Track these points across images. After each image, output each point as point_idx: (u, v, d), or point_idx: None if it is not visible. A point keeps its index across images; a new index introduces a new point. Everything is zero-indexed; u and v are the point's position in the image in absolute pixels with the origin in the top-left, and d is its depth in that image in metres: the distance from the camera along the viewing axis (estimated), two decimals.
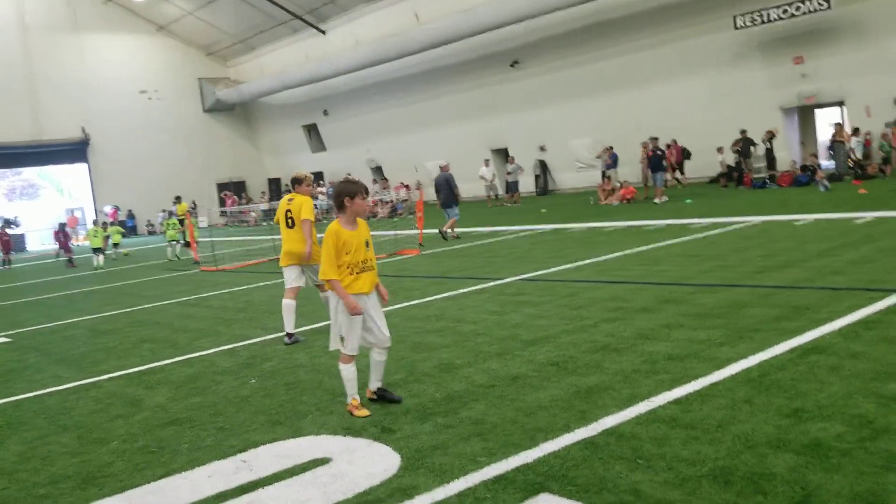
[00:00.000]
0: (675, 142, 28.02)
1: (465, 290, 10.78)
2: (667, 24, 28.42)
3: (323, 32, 41.27)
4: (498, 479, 4.18)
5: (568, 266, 11.93)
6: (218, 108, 47.57)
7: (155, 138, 44.13)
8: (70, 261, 25.04)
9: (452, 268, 13.32)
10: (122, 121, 43.10)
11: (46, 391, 7.58)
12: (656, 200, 22.48)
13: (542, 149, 34.17)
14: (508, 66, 34.33)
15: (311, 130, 46.67)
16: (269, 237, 24.32)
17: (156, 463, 5.12)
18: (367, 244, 5.69)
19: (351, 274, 5.56)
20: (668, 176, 25.15)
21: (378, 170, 42.70)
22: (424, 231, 18.81)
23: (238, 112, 48.88)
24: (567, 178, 33.72)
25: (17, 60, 40.20)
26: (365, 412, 5.58)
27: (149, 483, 4.78)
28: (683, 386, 5.37)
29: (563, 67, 32.25)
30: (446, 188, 19.35)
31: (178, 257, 23.04)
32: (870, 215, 13.70)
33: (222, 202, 43.93)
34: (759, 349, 6.05)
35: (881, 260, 9.35)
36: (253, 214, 41.06)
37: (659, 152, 23.42)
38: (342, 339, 5.63)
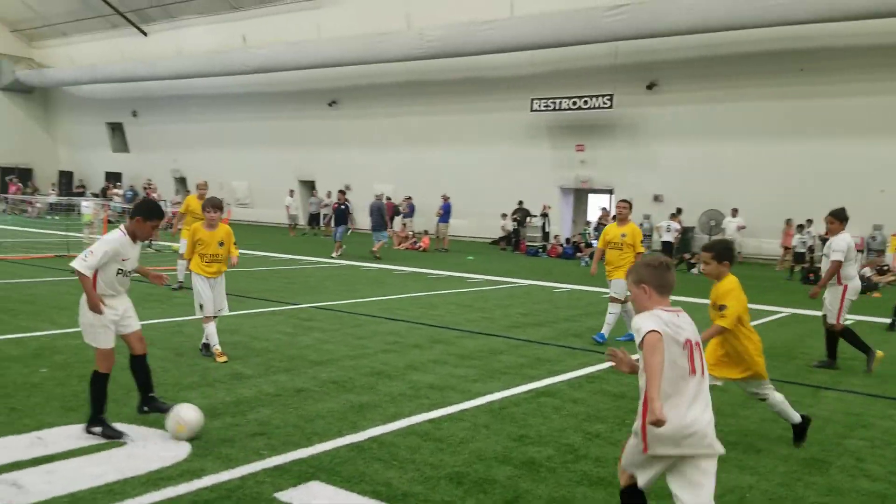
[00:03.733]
0: (388, 199, 30.43)
1: (261, 310, 11.44)
2: (474, 95, 30.97)
3: (144, 34, 40.05)
4: (277, 469, 5.00)
5: (357, 300, 12.94)
6: (14, 89, 44.26)
7: None
8: None
9: (250, 289, 13.85)
10: None
11: None
12: (333, 255, 21.58)
13: (348, 188, 35.27)
14: (326, 105, 35.32)
15: (116, 129, 44.68)
16: (57, 232, 23.26)
17: None
18: (220, 243, 8.06)
19: (204, 261, 8.04)
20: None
21: (182, 181, 41.68)
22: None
23: (37, 96, 45.73)
24: (367, 220, 35.03)
25: None
26: (225, 357, 7.89)
27: None
28: (439, 410, 6.48)
29: (377, 116, 33.81)
30: (377, 215, 22.34)
31: None
32: None
33: (5, 188, 40.62)
34: (503, 388, 7.36)
35: (613, 331, 11.21)
36: (38, 206, 38.35)
37: (343, 206, 22.98)
38: (201, 306, 8.01)
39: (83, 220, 21.91)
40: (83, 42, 42.78)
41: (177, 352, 8.27)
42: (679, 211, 25.27)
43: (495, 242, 29.43)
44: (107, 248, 5.33)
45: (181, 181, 41.77)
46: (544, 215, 28.11)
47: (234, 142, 38.71)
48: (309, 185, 36.23)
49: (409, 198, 29.45)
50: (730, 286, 5.78)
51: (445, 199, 27.26)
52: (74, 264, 5.27)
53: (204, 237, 8.04)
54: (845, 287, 8.69)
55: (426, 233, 28.16)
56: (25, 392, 6.48)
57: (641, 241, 10.17)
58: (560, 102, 28.79)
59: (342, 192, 23.77)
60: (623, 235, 9.96)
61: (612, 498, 4.76)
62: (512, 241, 28.42)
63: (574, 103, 28.49)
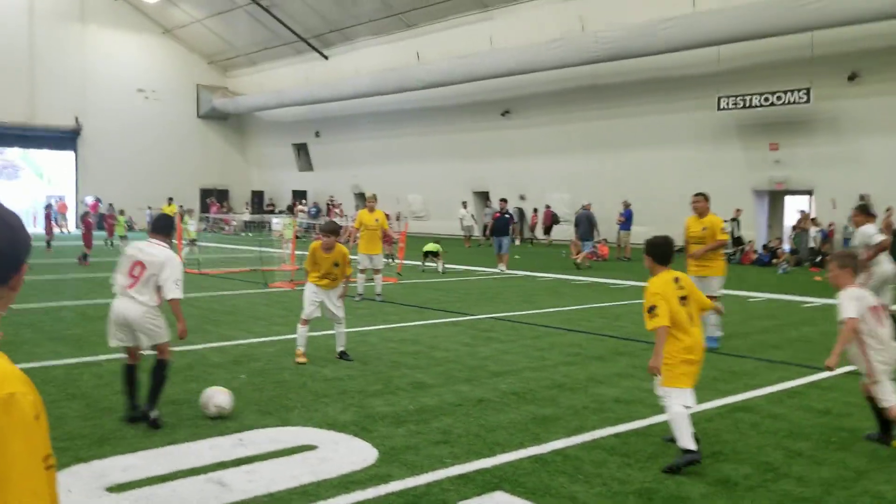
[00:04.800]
0: (547, 207, 32.83)
1: (440, 320, 11.61)
2: (655, 96, 29.84)
3: (325, 57, 42.36)
4: (461, 477, 4.99)
5: (536, 311, 12.81)
6: (212, 116, 48.25)
7: (146, 137, 44.56)
8: (84, 257, 20.67)
9: (429, 300, 14.13)
10: (116, 116, 43.51)
11: (49, 363, 8.20)
12: (501, 267, 20.45)
13: (522, 198, 35.29)
14: (499, 115, 35.57)
15: (301, 149, 47.48)
16: (251, 247, 25.01)
17: (161, 433, 5.83)
18: (335, 264, 8.51)
19: (317, 274, 8.59)
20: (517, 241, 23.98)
21: (361, 196, 43.56)
22: (404, 262, 19.69)
23: (231, 122, 49.58)
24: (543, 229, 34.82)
25: (21, 43, 40.52)
26: (304, 360, 8.36)
27: (157, 448, 5.50)
28: (625, 424, 6.22)
29: (551, 123, 33.53)
30: (586, 224, 22.89)
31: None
32: (819, 301, 14.77)
33: (205, 207, 44.40)
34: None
35: (818, 342, 10.35)
36: (234, 224, 41.54)
37: (507, 215, 21.82)
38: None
39: (284, 235, 23.30)
40: (271, 69, 45.87)
41: (362, 361, 8.53)
42: (888, 210, 23.03)
43: (680, 250, 28.17)
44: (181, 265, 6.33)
45: (360, 196, 43.65)
46: (734, 220, 26.61)
47: (409, 156, 39.93)
48: (483, 196, 36.64)
49: (588, 205, 28.89)
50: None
51: (626, 205, 26.50)
52: (177, 295, 6.07)
53: (320, 258, 8.57)
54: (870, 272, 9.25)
55: (606, 241, 27.51)
56: None
57: (722, 230, 9.82)
58: (750, 99, 27.07)
59: (503, 201, 23.27)
60: (704, 229, 9.65)
61: None
62: None
63: (766, 99, 26.69)
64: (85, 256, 20.73)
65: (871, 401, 5.94)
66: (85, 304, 12.84)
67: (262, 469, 5.10)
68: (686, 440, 5.15)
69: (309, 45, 42.01)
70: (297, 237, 22.93)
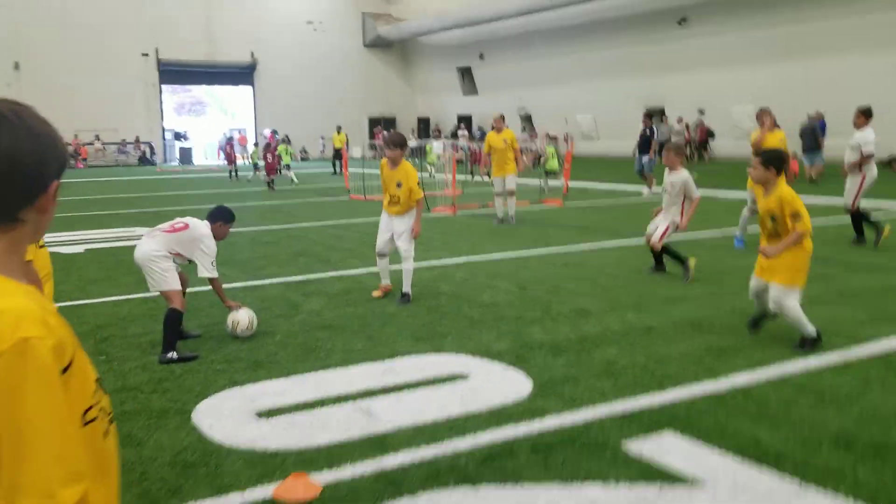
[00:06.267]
0: (701, 122, 31.88)
1: (607, 243, 10.95)
2: None
3: None
4: (624, 414, 4.49)
5: (714, 233, 11.80)
6: (377, 44, 48.60)
7: (316, 68, 45.72)
8: (270, 184, 22.99)
9: (595, 222, 13.43)
10: (287, 49, 44.90)
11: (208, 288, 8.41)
12: (647, 189, 18.68)
13: (702, 112, 33.06)
14: (675, 24, 33.17)
15: (465, 73, 46.98)
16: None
17: (314, 358, 5.74)
18: (398, 184, 7.43)
19: (386, 198, 7.65)
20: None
21: (527, 118, 42.59)
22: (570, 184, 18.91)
23: (396, 49, 49.77)
24: (723, 145, 32.50)
25: None
26: (379, 294, 7.68)
27: (309, 373, 5.40)
28: (818, 357, 5.42)
29: (733, 30, 30.82)
30: (811, 136, 21.56)
31: (293, 182, 24.78)
32: None
33: (373, 136, 45.25)
34: None
35: None
36: None
37: (648, 132, 19.24)
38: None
39: (427, 159, 23.38)
40: None
41: (520, 286, 8.12)
42: None
43: (888, 164, 25.27)
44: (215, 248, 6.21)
45: (527, 119, 42.67)
46: None
47: (576, 74, 38.35)
48: (659, 114, 34.67)
49: (819, 114, 26.27)
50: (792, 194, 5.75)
51: (819, 116, 23.84)
52: (211, 273, 6.17)
53: (386, 176, 7.62)
54: (864, 175, 10.11)
55: (794, 155, 25.12)
56: (381, 321, 6.76)
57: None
58: None
59: (648, 117, 20.47)
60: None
61: None
62: None
63: None
64: (271, 183, 23.03)
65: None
66: (255, 231, 13.27)
67: (410, 398, 4.85)
68: (808, 328, 5.67)
69: None
70: (458, 161, 22.68)
